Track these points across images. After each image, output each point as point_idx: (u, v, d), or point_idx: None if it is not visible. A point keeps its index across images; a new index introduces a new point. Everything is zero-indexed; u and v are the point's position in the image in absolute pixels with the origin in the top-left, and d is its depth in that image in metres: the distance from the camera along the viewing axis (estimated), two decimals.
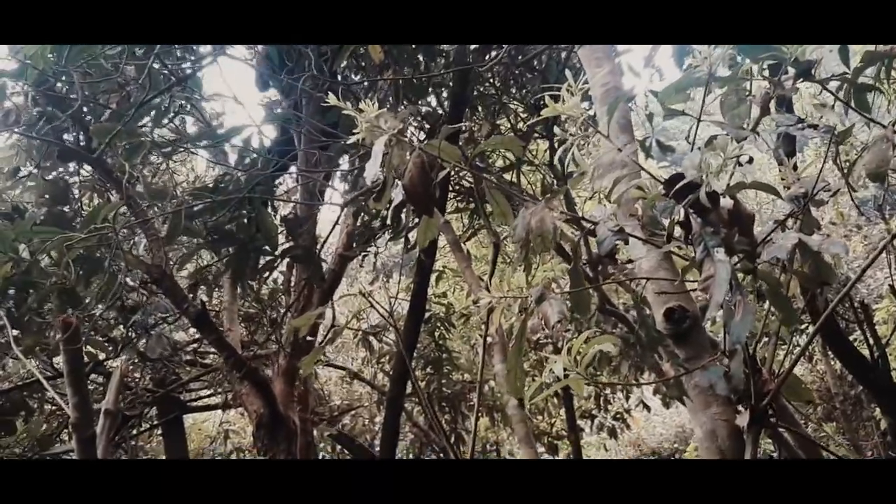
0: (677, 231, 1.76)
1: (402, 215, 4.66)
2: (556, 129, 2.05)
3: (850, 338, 6.34)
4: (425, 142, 2.10)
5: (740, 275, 1.77)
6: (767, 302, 1.95)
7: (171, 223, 4.93)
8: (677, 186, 1.62)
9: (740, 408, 1.99)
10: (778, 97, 1.88)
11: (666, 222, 1.90)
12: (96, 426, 3.38)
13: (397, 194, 2.04)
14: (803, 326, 5.14)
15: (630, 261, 2.10)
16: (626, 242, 1.85)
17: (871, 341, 5.45)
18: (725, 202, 1.75)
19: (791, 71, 1.70)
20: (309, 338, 6.01)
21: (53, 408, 6.90)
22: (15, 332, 4.84)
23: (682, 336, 2.04)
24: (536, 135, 5.99)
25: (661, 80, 5.18)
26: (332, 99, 2.11)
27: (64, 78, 4.70)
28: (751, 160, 1.58)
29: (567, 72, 1.77)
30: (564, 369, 1.71)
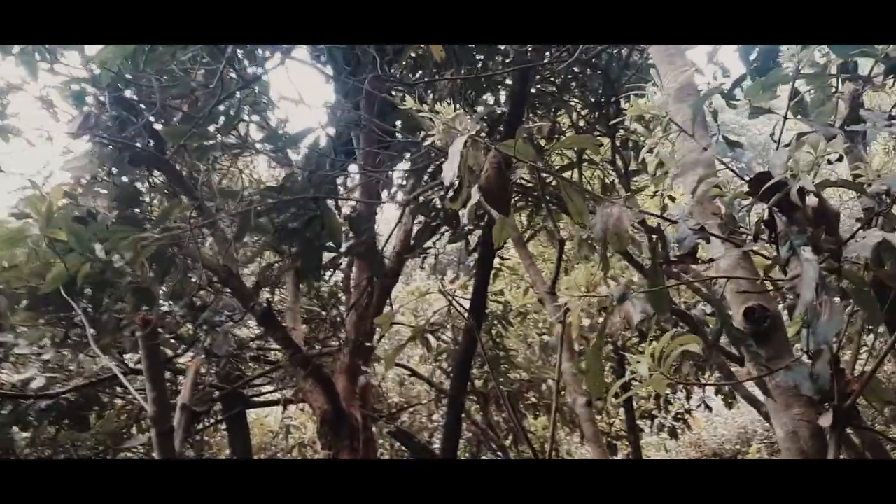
0: (761, 230, 1.74)
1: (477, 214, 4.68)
2: (627, 125, 2.06)
3: None
4: (499, 142, 2.13)
5: (825, 274, 1.74)
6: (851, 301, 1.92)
7: (241, 222, 5.06)
8: (765, 186, 1.61)
9: (823, 408, 1.97)
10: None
11: (747, 220, 1.89)
12: (173, 419, 3.49)
13: (474, 194, 2.06)
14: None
15: (711, 259, 2.08)
16: (708, 241, 1.85)
17: None
18: (810, 200, 1.73)
19: (880, 67, 1.67)
20: (368, 336, 6.11)
21: (123, 403, 7.12)
22: (91, 331, 5.02)
23: (762, 336, 2.02)
24: (597, 133, 5.96)
25: (727, 77, 5.10)
26: (408, 102, 2.14)
27: (134, 85, 4.85)
28: (840, 158, 1.56)
29: (653, 71, 1.77)
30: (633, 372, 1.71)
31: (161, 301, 5.29)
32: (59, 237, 4.47)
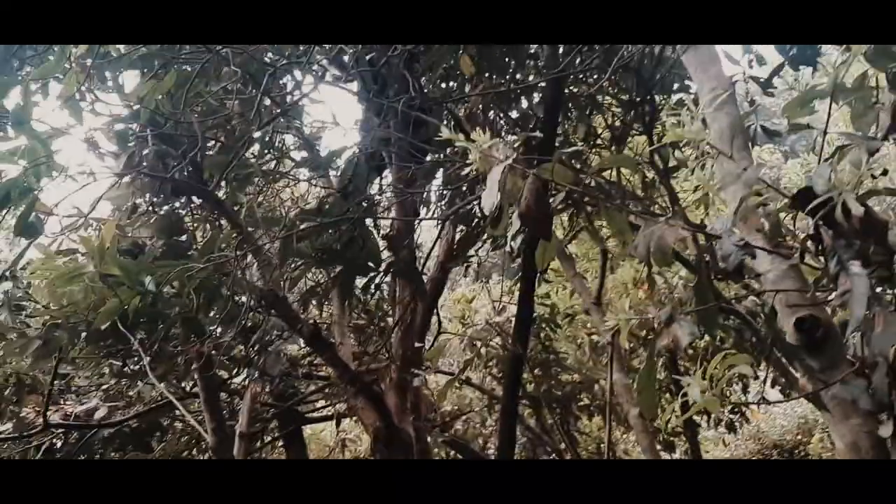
0: (808, 244, 1.72)
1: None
2: (664, 120, 2.04)
3: None
4: (534, 160, 2.13)
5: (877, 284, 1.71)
6: None
7: (283, 246, 5.14)
8: (811, 205, 1.59)
9: (882, 417, 1.93)
10: None
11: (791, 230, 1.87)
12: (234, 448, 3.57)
13: (515, 221, 2.07)
14: None
15: (759, 274, 2.06)
16: (754, 257, 1.82)
17: None
18: (857, 210, 1.70)
19: None
20: (417, 344, 6.14)
21: (184, 426, 7.28)
22: (147, 359, 5.14)
23: (815, 346, 1.99)
24: (634, 132, 5.90)
25: (762, 67, 5.02)
26: (444, 132, 2.16)
27: (172, 119, 4.96)
28: (885, 172, 1.54)
29: (687, 99, 1.76)
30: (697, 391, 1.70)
31: (212, 327, 5.40)
32: (111, 271, 4.60)
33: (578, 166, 5.85)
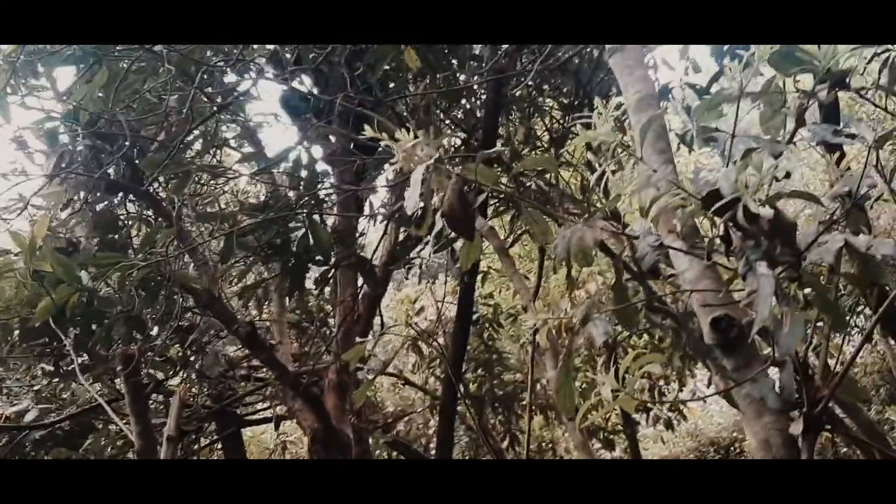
0: (718, 245, 1.76)
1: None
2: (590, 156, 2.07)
3: None
4: (460, 167, 2.14)
5: (785, 284, 1.76)
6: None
7: (225, 245, 5.04)
8: (716, 206, 1.62)
9: (793, 415, 1.98)
10: (822, 103, 1.86)
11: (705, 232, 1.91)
12: (160, 451, 3.50)
13: (438, 220, 2.07)
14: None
15: (673, 274, 2.10)
16: (668, 257, 1.85)
17: None
18: (765, 212, 1.74)
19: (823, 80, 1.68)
20: (358, 339, 6.09)
21: (118, 429, 7.11)
22: (78, 360, 5.00)
23: (729, 345, 2.03)
24: (572, 135, 5.96)
25: (697, 73, 5.13)
26: (367, 130, 2.15)
27: (107, 118, 4.84)
28: (788, 175, 1.58)
29: (597, 99, 1.78)
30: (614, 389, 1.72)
31: (152, 328, 5.28)
32: (44, 268, 4.46)
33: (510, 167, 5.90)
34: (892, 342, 8.30)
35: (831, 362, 2.12)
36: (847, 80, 1.69)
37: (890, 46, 1.82)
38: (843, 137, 1.69)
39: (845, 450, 8.78)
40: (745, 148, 1.63)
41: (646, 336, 7.10)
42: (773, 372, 1.92)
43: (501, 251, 4.65)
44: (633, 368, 1.71)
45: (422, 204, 2.13)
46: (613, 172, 1.93)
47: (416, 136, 2.11)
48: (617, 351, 6.51)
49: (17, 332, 5.18)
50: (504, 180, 2.20)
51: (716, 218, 1.69)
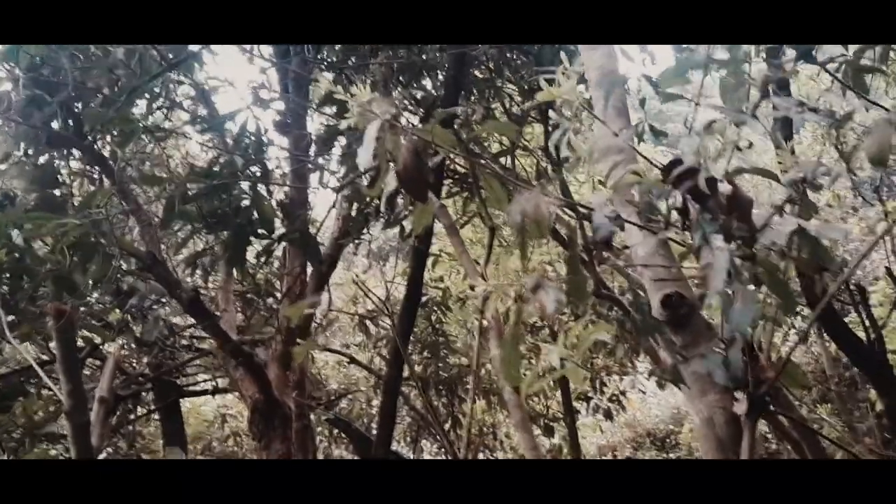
0: (675, 217, 1.73)
1: (398, 201, 4.63)
2: (552, 114, 2.02)
3: (846, 320, 6.35)
4: (419, 126, 2.07)
5: (739, 261, 1.74)
6: (764, 287, 1.93)
7: (166, 209, 4.88)
8: (675, 172, 1.59)
9: (738, 395, 1.98)
10: (776, 80, 1.85)
11: (663, 207, 1.88)
12: (91, 413, 3.37)
13: (391, 180, 2.00)
14: (798, 309, 5.13)
15: (626, 247, 2.07)
16: (622, 229, 1.83)
17: (868, 323, 5.45)
18: (724, 187, 1.72)
19: (790, 53, 1.67)
20: (304, 324, 5.99)
21: (51, 392, 6.88)
22: (10, 318, 4.80)
23: (679, 322, 2.02)
24: (531, 119, 5.94)
25: (654, 65, 5.13)
26: (321, 82, 2.07)
27: (53, 63, 4.64)
28: (751, 145, 1.56)
29: (562, 54, 1.74)
30: (561, 358, 1.69)
31: (88, 289, 5.10)
32: None
33: (476, 149, 5.85)
34: (828, 342, 8.52)
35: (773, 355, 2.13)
36: (813, 52, 1.68)
37: None
38: (808, 112, 1.68)
39: (776, 446, 8.99)
40: (708, 120, 1.60)
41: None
42: (722, 350, 1.91)
43: (451, 229, 4.61)
44: (582, 337, 1.68)
45: (375, 163, 2.06)
46: (574, 133, 1.88)
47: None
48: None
49: None
50: (461, 147, 2.14)
51: (674, 190, 1.66)
